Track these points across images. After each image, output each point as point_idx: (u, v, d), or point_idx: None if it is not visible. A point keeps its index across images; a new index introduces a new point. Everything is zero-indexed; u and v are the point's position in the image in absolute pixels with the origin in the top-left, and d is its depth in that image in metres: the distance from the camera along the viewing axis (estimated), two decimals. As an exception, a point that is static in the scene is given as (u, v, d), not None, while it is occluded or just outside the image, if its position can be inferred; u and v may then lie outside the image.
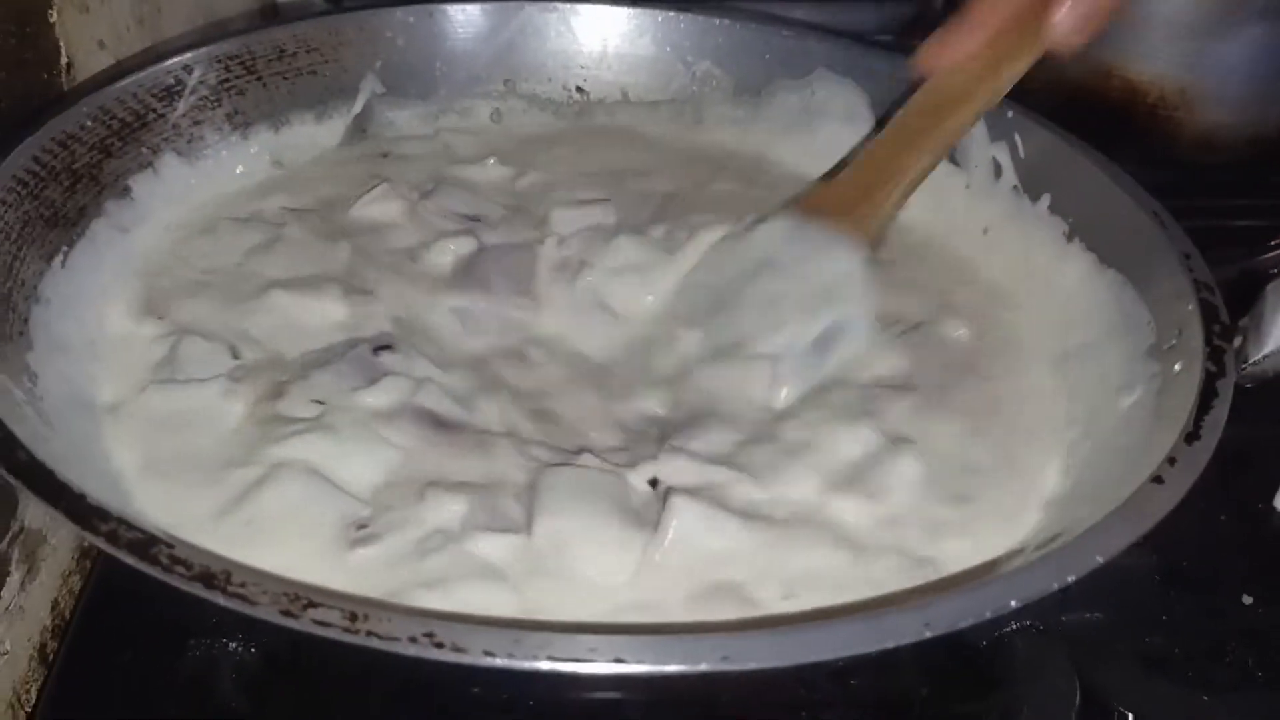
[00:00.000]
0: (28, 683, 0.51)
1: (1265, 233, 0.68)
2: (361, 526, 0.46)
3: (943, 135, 0.59)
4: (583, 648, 0.35)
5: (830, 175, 0.68)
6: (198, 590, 0.37)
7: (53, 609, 0.53)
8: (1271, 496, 0.57)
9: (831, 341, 0.55)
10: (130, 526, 0.38)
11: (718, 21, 0.74)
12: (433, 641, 0.35)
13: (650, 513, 0.47)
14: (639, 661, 0.35)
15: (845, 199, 0.59)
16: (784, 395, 0.54)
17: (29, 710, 0.50)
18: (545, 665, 0.35)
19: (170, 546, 0.38)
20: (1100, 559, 0.39)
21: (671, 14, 0.75)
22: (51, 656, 0.52)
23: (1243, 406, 0.46)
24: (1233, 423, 0.45)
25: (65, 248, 0.55)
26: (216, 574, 0.37)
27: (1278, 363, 0.51)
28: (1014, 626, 0.48)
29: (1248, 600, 0.52)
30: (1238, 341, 0.50)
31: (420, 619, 0.36)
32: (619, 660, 0.35)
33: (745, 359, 0.55)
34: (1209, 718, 0.47)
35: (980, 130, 0.65)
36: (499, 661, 0.35)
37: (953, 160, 0.66)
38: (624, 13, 0.75)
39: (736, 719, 0.45)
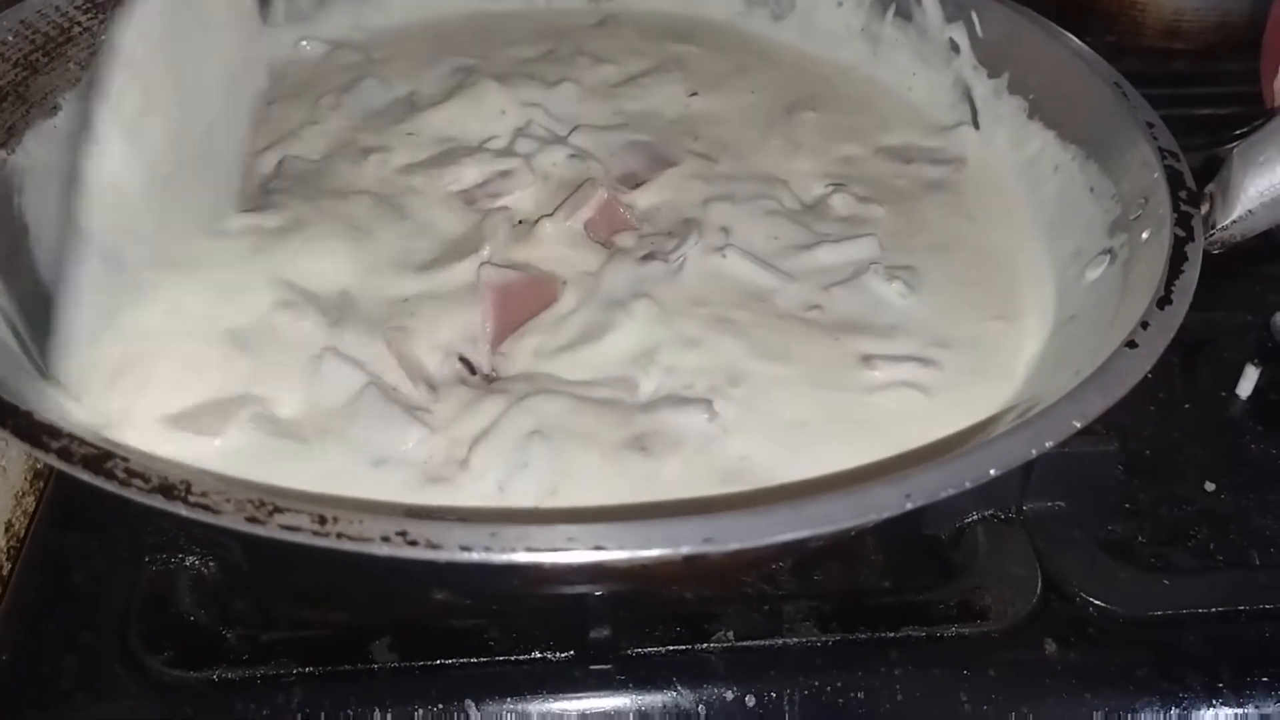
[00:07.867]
0: (-18, 605, 0.50)
1: (1230, 121, 0.67)
2: None
3: None
4: (561, 537, 0.34)
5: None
6: (158, 502, 0.35)
7: (6, 529, 0.52)
8: (1233, 384, 0.57)
9: None
10: (83, 442, 0.37)
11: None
12: (406, 540, 0.34)
13: None
14: (619, 548, 0.34)
15: None
16: None
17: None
18: (523, 557, 0.34)
19: (126, 460, 0.36)
20: (1078, 424, 0.38)
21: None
22: (6, 576, 0.51)
23: (1204, 295, 0.45)
24: (1194, 310, 0.44)
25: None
26: (176, 484, 0.35)
27: (1246, 227, 0.50)
28: (976, 516, 0.49)
29: (1210, 487, 0.53)
30: (1205, 208, 0.49)
31: (392, 518, 0.35)
32: (599, 548, 0.34)
33: None
34: (1169, 600, 0.47)
35: (936, 11, 0.64)
36: (475, 556, 0.34)
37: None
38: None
39: (699, 615, 0.45)
